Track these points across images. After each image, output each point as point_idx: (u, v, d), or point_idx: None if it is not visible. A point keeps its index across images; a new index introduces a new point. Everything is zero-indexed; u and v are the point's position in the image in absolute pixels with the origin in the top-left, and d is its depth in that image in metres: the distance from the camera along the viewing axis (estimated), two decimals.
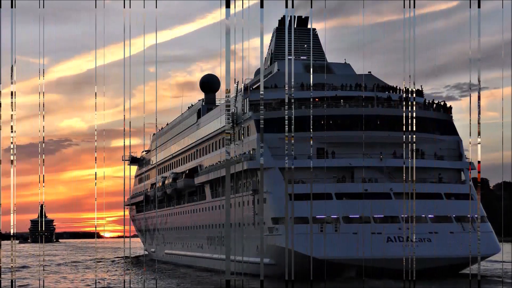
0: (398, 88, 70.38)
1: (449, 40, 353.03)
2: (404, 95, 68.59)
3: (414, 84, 53.46)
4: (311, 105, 60.77)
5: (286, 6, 43.05)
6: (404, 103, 66.38)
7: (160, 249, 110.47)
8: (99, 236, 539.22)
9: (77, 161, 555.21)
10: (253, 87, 73.49)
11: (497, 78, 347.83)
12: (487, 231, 61.52)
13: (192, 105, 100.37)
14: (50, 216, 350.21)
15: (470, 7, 43.74)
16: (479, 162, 45.86)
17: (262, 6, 41.57)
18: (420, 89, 71.61)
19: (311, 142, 63.07)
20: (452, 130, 68.67)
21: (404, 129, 64.87)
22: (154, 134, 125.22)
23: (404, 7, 45.48)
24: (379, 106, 65.58)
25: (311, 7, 47.20)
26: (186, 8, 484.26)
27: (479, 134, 44.46)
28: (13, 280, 48.08)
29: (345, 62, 77.46)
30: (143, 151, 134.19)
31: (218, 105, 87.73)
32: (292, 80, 69.49)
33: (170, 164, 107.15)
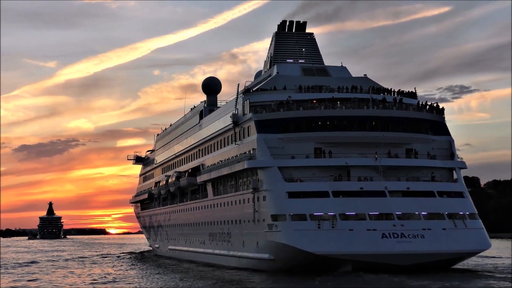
0: (392, 90, 71.81)
1: (441, 44, 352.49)
2: (398, 97, 70.36)
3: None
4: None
5: None
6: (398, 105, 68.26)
7: (163, 245, 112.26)
8: (105, 233, 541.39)
9: (84, 160, 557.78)
10: (253, 89, 74.95)
11: (487, 81, 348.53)
12: (478, 227, 62.82)
13: (194, 106, 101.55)
14: (58, 213, 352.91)
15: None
16: None
17: None
18: (414, 91, 73.33)
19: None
20: (444, 131, 69.87)
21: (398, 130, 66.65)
22: (158, 134, 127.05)
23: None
24: (374, 107, 66.84)
25: None
26: (188, 13, 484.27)
27: None
28: None
29: (341, 65, 78.79)
30: (147, 151, 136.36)
31: (219, 107, 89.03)
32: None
33: (173, 163, 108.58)
